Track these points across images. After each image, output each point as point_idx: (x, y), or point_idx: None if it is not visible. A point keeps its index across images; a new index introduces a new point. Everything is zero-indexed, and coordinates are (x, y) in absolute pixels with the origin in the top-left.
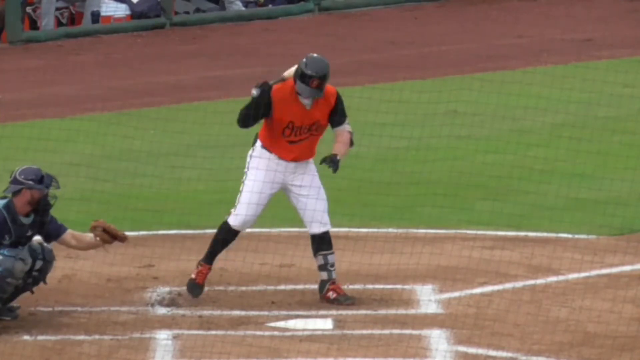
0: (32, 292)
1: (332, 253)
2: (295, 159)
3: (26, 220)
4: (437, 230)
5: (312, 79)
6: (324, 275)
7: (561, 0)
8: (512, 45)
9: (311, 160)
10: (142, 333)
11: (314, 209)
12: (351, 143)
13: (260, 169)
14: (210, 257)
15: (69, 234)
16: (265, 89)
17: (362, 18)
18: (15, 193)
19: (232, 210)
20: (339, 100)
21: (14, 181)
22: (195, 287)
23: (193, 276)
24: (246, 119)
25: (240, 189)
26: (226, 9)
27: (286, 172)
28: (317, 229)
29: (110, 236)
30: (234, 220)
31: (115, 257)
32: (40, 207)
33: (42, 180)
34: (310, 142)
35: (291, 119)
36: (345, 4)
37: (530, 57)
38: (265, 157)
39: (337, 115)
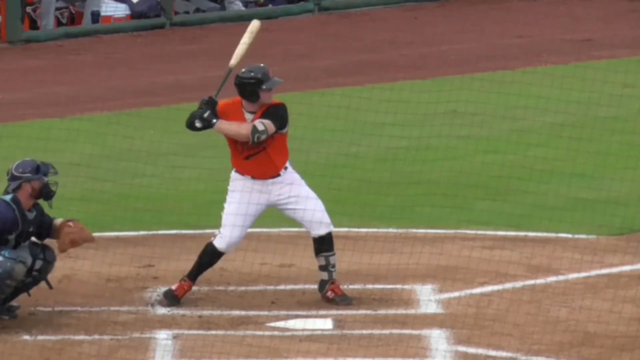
0: (29, 295)
1: (334, 254)
2: (263, 176)
3: (30, 215)
4: (437, 230)
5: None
6: (325, 275)
7: (561, 0)
8: (512, 45)
9: (290, 169)
10: (142, 333)
11: (312, 216)
12: (249, 136)
13: (239, 191)
14: (194, 275)
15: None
16: (208, 124)
17: (362, 18)
18: (16, 189)
19: (217, 232)
20: (270, 108)
21: (12, 177)
22: (172, 297)
23: (173, 287)
24: (191, 128)
25: (224, 211)
26: (226, 9)
27: (270, 191)
28: (318, 230)
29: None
30: (219, 243)
31: (115, 257)
32: (43, 196)
33: (39, 169)
34: (266, 156)
35: None
36: (345, 4)
37: (530, 57)
38: (240, 178)
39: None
